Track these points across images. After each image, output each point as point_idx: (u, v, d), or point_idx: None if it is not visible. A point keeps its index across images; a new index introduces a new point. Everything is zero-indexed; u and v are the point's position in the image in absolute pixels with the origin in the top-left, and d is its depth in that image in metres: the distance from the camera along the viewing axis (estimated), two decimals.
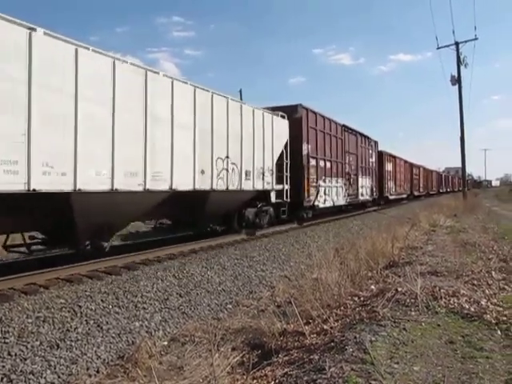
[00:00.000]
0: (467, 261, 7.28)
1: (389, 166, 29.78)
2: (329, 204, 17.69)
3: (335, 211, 20.38)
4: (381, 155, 27.98)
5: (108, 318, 5.74)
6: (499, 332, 4.14)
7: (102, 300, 6.12)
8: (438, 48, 29.99)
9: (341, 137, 19.67)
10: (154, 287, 7.01)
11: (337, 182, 18.75)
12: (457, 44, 29.14)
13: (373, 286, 5.88)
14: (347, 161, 20.50)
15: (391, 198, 30.59)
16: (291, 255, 10.93)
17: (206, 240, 11.06)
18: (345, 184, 19.83)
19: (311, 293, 5.69)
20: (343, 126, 20.15)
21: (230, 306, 7.36)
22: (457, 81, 29.22)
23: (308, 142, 15.48)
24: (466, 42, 29.13)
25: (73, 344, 4.99)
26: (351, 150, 21.35)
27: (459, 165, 32.36)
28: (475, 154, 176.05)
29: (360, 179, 22.58)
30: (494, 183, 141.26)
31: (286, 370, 3.79)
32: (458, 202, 27.29)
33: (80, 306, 5.77)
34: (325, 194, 17.13)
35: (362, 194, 23.30)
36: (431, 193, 53.56)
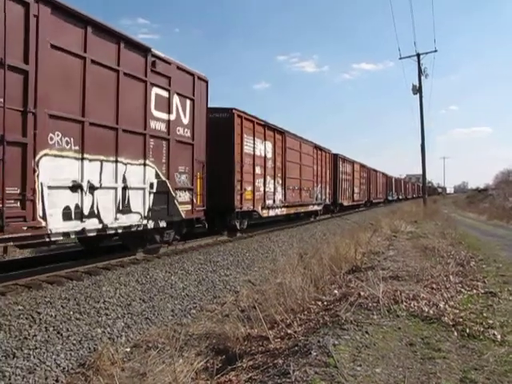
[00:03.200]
0: (427, 265, 7.48)
1: (263, 149, 14.74)
2: None
3: None
4: (231, 119, 12.59)
5: (69, 324, 5.59)
6: (456, 333, 4.31)
7: (62, 306, 5.95)
8: (401, 58, 31.20)
9: None
10: (117, 293, 6.88)
11: None
12: (418, 55, 30.51)
13: (336, 291, 5.95)
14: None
15: (272, 213, 15.91)
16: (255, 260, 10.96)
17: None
18: None
19: (275, 297, 5.71)
20: None
21: (194, 311, 7.31)
22: (418, 90, 30.30)
23: None
24: (426, 53, 30.65)
25: (31, 352, 4.83)
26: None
27: (420, 172, 33.25)
28: (435, 162, 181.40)
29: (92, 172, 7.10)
30: (448, 190, 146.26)
31: (250, 374, 3.79)
32: (418, 208, 28.14)
33: (39, 313, 5.58)
34: None
35: (95, 213, 7.18)
36: (375, 201, 40.37)
